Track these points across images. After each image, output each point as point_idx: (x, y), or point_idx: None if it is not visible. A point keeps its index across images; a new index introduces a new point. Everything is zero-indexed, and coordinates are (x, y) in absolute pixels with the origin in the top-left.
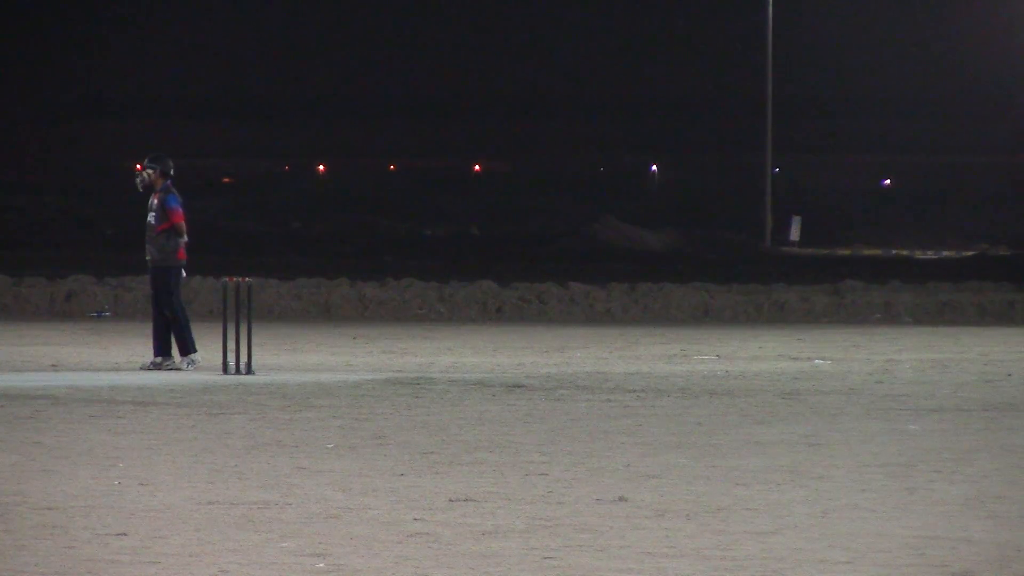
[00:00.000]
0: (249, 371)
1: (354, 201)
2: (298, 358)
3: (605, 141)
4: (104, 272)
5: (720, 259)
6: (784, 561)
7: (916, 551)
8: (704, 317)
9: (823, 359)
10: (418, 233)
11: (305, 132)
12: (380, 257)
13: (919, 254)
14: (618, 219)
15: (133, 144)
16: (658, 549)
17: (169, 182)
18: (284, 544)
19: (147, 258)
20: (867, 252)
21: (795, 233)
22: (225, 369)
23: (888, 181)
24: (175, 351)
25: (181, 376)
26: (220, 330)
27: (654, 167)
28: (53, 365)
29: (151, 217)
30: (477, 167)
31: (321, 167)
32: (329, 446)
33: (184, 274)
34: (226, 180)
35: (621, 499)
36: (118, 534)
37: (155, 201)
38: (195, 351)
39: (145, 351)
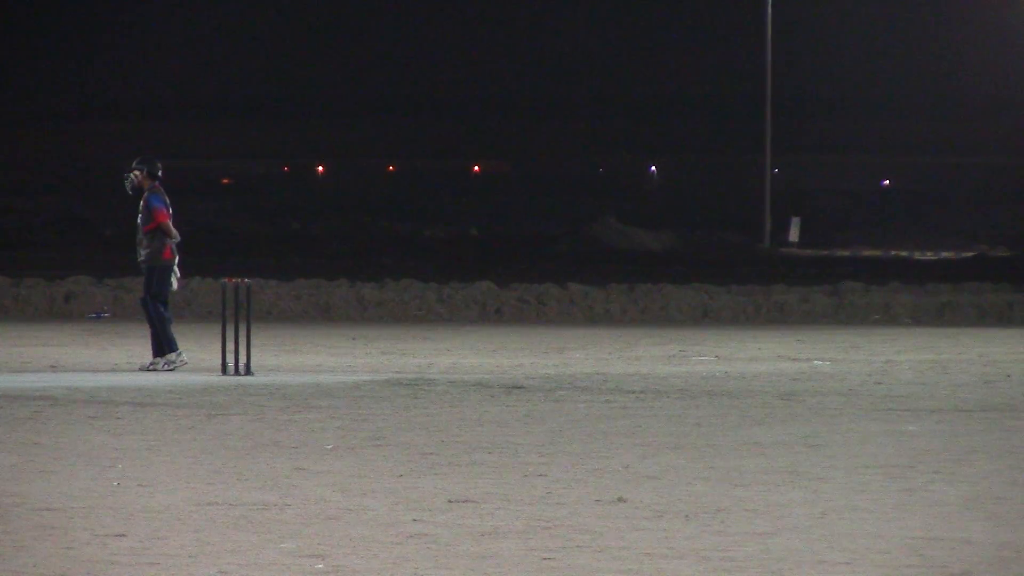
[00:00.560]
0: (248, 372)
1: (353, 202)
2: (297, 359)
3: (605, 141)
4: (103, 273)
5: (719, 260)
6: (783, 562)
7: (915, 552)
8: (703, 318)
9: (822, 360)
10: (417, 234)
11: (305, 132)
12: (379, 258)
13: (918, 255)
14: (617, 220)
15: (133, 144)
16: (657, 550)
17: (156, 183)
18: (283, 545)
19: (138, 259)
20: (866, 253)
21: (794, 234)
22: (224, 370)
23: (888, 181)
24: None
25: (180, 377)
26: (219, 331)
27: (653, 167)
28: (52, 366)
29: (139, 218)
30: (477, 167)
31: (320, 168)
32: (328, 447)
33: (178, 273)
34: (225, 181)
35: (620, 500)
36: (117, 535)
37: (142, 202)
38: (174, 351)
39: (144, 352)
